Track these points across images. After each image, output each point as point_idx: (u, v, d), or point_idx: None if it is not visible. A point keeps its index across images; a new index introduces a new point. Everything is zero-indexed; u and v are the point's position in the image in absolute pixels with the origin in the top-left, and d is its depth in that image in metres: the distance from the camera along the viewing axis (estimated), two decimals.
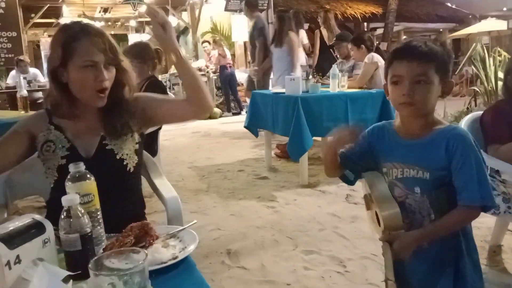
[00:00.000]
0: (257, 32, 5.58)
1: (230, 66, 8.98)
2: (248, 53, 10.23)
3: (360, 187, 1.43)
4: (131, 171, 1.46)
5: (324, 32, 5.74)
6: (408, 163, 1.19)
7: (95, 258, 0.73)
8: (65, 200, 0.93)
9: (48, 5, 11.75)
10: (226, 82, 9.01)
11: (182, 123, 8.09)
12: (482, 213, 2.01)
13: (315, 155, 4.99)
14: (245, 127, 4.57)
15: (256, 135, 4.58)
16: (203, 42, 9.96)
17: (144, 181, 1.71)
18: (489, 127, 2.06)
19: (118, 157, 1.41)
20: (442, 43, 1.19)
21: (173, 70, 9.96)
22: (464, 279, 1.18)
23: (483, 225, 2.63)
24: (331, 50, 5.55)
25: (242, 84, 9.41)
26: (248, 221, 3.10)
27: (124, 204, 1.43)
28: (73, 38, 1.34)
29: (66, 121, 1.43)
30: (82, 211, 0.95)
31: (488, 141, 2.02)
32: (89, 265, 0.68)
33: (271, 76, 5.60)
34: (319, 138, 4.90)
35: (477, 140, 2.01)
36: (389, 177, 1.23)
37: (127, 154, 1.44)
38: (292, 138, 3.66)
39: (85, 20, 1.54)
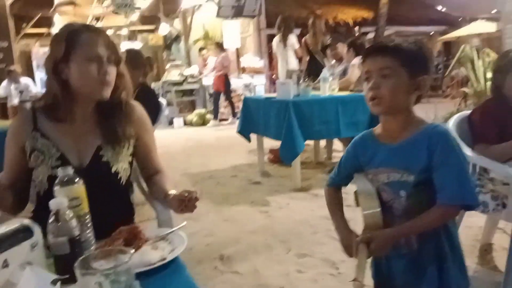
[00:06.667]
0: None
1: None
2: (241, 59, 10.29)
3: (352, 190, 1.44)
4: (123, 184, 1.45)
5: (309, 38, 5.78)
6: (392, 167, 1.19)
7: (82, 257, 0.73)
8: (53, 204, 0.93)
9: (40, 14, 11.75)
10: (229, 88, 8.91)
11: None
12: (472, 213, 2.04)
13: (308, 159, 5.01)
14: (237, 132, 4.59)
15: (249, 140, 4.59)
16: (200, 49, 9.90)
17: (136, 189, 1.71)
18: (477, 126, 2.07)
19: (113, 170, 1.40)
20: (417, 41, 1.21)
21: (165, 78, 9.96)
22: (448, 280, 1.18)
23: (474, 225, 2.65)
24: (317, 55, 5.60)
25: (235, 90, 9.43)
26: (241, 226, 3.11)
27: (113, 211, 1.39)
28: (76, 32, 1.33)
29: (57, 124, 1.38)
30: (71, 214, 0.96)
31: (475, 140, 2.04)
32: (75, 264, 0.69)
33: None
34: (311, 142, 4.94)
35: (465, 139, 2.06)
36: (377, 183, 1.23)
37: (121, 167, 1.42)
38: (284, 142, 3.67)
39: None
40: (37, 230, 0.93)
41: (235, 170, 4.82)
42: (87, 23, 11.70)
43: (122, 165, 1.42)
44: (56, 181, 1.05)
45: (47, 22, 12.55)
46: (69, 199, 1.01)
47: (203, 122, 9.02)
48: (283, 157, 3.85)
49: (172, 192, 1.34)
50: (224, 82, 8.79)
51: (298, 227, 3.00)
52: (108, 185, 1.40)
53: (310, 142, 4.92)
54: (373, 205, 1.16)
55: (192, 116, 9.16)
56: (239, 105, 8.75)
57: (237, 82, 9.53)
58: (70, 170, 1.06)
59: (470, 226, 2.64)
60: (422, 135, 1.16)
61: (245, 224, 3.13)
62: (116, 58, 1.39)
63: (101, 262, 0.80)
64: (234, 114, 8.87)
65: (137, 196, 1.67)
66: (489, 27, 11.18)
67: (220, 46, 9.02)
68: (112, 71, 1.37)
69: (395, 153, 1.19)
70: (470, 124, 2.12)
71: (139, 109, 1.55)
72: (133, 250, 0.76)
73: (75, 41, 1.32)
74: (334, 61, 4.93)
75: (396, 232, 1.14)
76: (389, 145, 1.22)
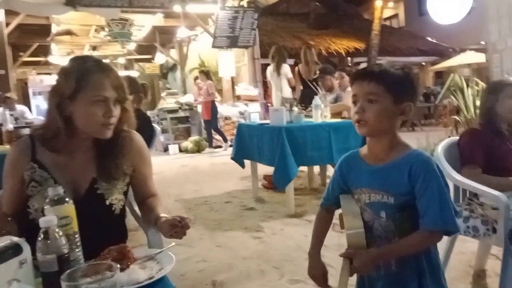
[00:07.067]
0: None
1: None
2: (236, 87, 10.42)
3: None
4: (117, 213, 1.45)
5: (302, 68, 5.89)
6: (374, 188, 1.21)
7: (69, 271, 0.74)
8: (42, 222, 0.94)
9: (37, 43, 11.92)
10: (216, 116, 8.95)
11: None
12: (465, 239, 2.04)
13: (302, 185, 5.02)
14: (232, 158, 4.61)
15: (243, 166, 4.61)
16: (196, 77, 10.00)
17: (129, 214, 1.70)
18: (465, 148, 2.13)
19: (107, 202, 1.40)
20: (404, 67, 1.23)
21: (161, 105, 10.04)
22: None
23: (467, 250, 2.64)
24: (310, 84, 5.69)
25: (230, 117, 9.52)
26: (234, 252, 3.08)
27: (106, 237, 1.37)
28: (88, 71, 1.33)
29: (54, 155, 1.38)
30: (60, 233, 0.96)
31: (463, 162, 2.09)
32: (62, 277, 0.70)
33: None
34: (305, 169, 4.95)
35: (455, 163, 2.09)
36: (359, 202, 1.26)
37: (116, 198, 1.42)
38: (277, 167, 3.69)
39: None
40: (26, 248, 0.94)
41: (229, 196, 4.82)
42: (83, 52, 11.75)
43: (116, 196, 1.43)
44: (46, 200, 1.06)
45: (44, 50, 12.71)
46: (59, 217, 1.02)
47: (198, 149, 9.05)
48: (276, 183, 3.86)
49: (164, 215, 1.34)
50: (211, 110, 8.81)
51: (292, 253, 2.98)
52: (102, 215, 1.40)
53: (304, 169, 4.94)
54: (357, 225, 1.17)
55: (187, 143, 9.19)
56: (234, 132, 8.77)
57: (232, 110, 9.61)
58: (60, 190, 1.07)
59: (464, 252, 2.63)
60: (404, 160, 1.19)
61: (238, 250, 3.11)
62: (122, 98, 1.40)
63: (88, 279, 0.80)
64: (225, 140, 8.91)
65: (130, 222, 1.66)
66: (478, 58, 11.44)
67: (206, 74, 9.05)
68: (116, 112, 1.38)
69: (377, 175, 1.22)
70: (459, 147, 2.17)
71: (138, 140, 1.56)
72: (119, 266, 0.76)
73: (85, 82, 1.32)
74: (324, 92, 5.02)
75: (379, 252, 1.16)
76: (373, 166, 1.24)
